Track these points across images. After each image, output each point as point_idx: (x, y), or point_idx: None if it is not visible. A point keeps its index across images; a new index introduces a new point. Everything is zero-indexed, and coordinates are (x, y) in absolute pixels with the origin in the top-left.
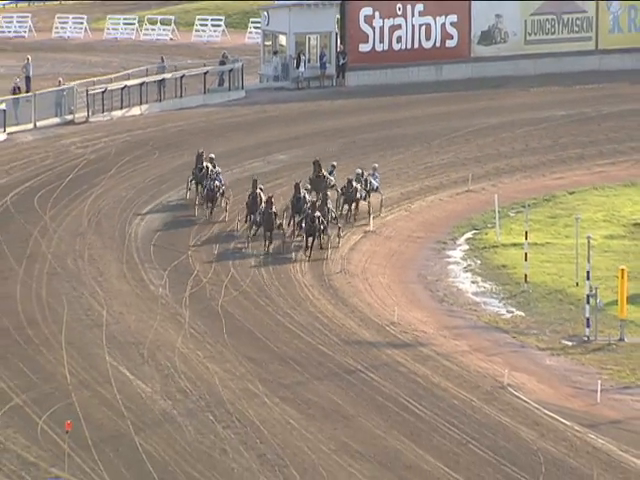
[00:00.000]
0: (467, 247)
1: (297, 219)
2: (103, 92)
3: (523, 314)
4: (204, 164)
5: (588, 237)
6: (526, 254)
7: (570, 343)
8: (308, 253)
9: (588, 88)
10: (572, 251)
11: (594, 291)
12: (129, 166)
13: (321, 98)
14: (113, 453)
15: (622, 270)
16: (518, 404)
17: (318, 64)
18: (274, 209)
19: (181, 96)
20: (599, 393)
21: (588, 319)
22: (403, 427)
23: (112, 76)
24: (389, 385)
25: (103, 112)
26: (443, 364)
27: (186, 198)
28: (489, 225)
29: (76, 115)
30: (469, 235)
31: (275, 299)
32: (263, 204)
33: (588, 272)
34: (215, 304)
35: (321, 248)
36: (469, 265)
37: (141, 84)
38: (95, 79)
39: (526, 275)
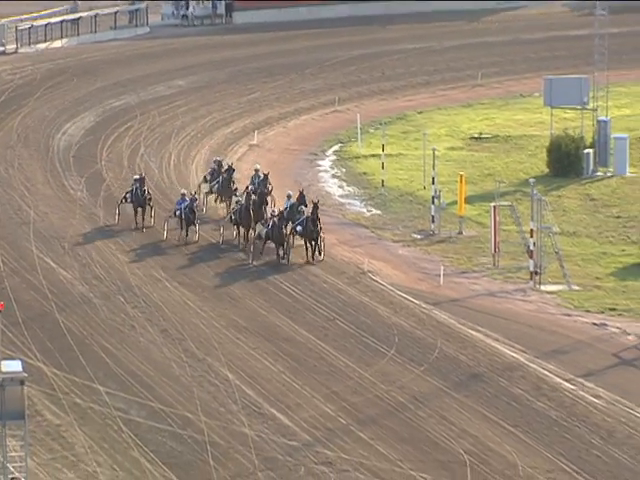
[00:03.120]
0: (334, 158)
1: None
2: (29, 28)
3: (380, 213)
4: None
5: (433, 149)
6: (383, 163)
7: (418, 236)
8: (318, 257)
9: (434, 26)
10: (420, 160)
11: (438, 193)
12: (52, 90)
13: (213, 33)
14: (39, 329)
15: (461, 176)
16: (376, 287)
17: (210, 4)
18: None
19: (95, 32)
20: (442, 277)
21: (433, 216)
22: (281, 306)
23: (37, 14)
24: (270, 272)
25: (30, 45)
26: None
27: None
28: (352, 139)
29: (7, 47)
30: (336, 148)
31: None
32: (269, 216)
33: (433, 178)
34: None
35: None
36: (336, 173)
37: (61, 21)
38: (22, 17)
39: (383, 181)
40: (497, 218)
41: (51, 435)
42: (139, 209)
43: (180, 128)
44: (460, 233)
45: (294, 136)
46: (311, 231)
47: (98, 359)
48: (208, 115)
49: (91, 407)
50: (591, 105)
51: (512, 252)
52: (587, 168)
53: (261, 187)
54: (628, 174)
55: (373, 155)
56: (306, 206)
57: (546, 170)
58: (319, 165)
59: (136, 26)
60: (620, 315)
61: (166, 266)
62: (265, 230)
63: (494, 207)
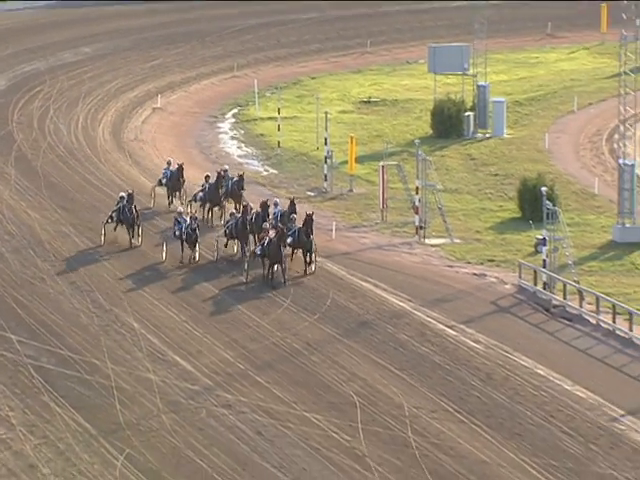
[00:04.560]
0: (233, 120)
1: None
2: None
3: (276, 172)
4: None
5: (325, 112)
6: (279, 125)
7: (312, 193)
8: (310, 268)
9: None
10: (313, 123)
11: (330, 153)
12: None
13: (118, 3)
14: None
15: (351, 137)
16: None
17: None
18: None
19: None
20: (334, 231)
21: (326, 175)
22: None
23: None
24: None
25: None
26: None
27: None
28: (250, 103)
29: None
30: (235, 111)
31: (83, 162)
32: (270, 234)
33: (326, 139)
34: (35, 165)
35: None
36: (235, 134)
37: None
38: None
39: (279, 142)
40: (385, 176)
41: None
42: (127, 229)
43: (87, 92)
44: (351, 190)
45: (195, 100)
46: (304, 242)
47: (10, 310)
48: (114, 80)
49: (3, 355)
50: (471, 71)
51: (399, 208)
52: (468, 130)
53: (234, 187)
54: (505, 135)
55: (269, 118)
56: (296, 214)
57: (430, 132)
58: (219, 127)
59: None
60: (498, 266)
61: (75, 223)
62: (260, 247)
63: (382, 166)
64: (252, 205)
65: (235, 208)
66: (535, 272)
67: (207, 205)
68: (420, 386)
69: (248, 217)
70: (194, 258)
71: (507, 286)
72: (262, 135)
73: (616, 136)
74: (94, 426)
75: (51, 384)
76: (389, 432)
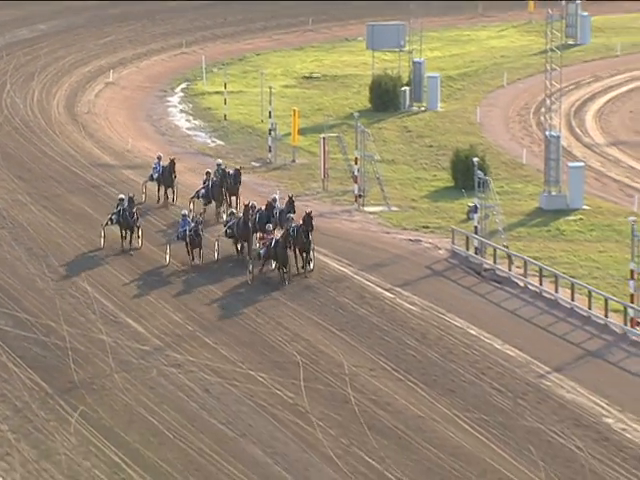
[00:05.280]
0: (182, 94)
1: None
2: None
3: (223, 143)
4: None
5: (270, 87)
6: (225, 99)
7: (257, 164)
8: (308, 268)
9: None
10: (258, 97)
11: (274, 126)
12: None
13: None
14: None
15: (294, 110)
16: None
17: None
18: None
19: None
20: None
21: (270, 146)
22: None
23: None
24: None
25: None
26: None
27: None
28: (198, 78)
29: None
30: (184, 85)
31: (38, 134)
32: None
33: (270, 112)
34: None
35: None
36: (184, 108)
37: None
38: None
39: (225, 115)
40: (326, 148)
41: None
42: (127, 231)
43: (42, 68)
44: (294, 161)
45: (146, 75)
46: (303, 242)
47: None
48: (68, 56)
49: None
50: (407, 48)
51: (339, 177)
52: (404, 103)
53: (230, 181)
54: (439, 109)
55: (216, 92)
56: (295, 213)
57: (368, 105)
58: (168, 101)
59: None
60: (432, 232)
61: (31, 192)
62: (264, 250)
63: (323, 138)
64: (254, 203)
65: (229, 204)
66: (467, 238)
67: (211, 202)
68: (359, 346)
69: (250, 216)
70: (199, 258)
71: (441, 251)
72: (209, 109)
73: (543, 109)
74: (50, 385)
75: (9, 345)
76: (330, 389)
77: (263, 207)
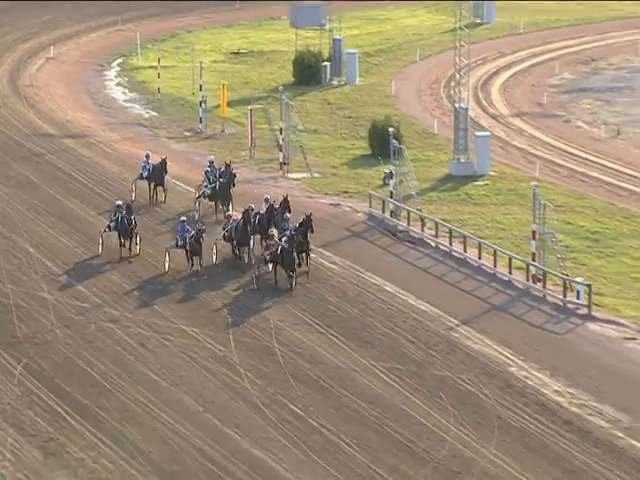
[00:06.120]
0: (118, 69)
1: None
2: None
3: (157, 115)
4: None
5: (200, 62)
6: (159, 73)
7: (189, 134)
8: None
9: None
10: (190, 71)
11: (205, 98)
12: None
13: None
14: None
15: (223, 84)
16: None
17: None
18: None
19: None
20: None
21: (201, 118)
22: (75, 193)
23: None
24: (64, 163)
25: None
26: (103, 149)
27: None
28: (133, 53)
29: None
30: (120, 61)
31: None
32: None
33: (201, 85)
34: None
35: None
36: (120, 81)
37: None
38: None
39: (159, 88)
40: (253, 119)
41: None
42: (125, 239)
43: None
44: (223, 131)
45: (84, 50)
46: (300, 243)
47: None
48: (10, 33)
49: None
50: (328, 27)
51: (265, 146)
52: (325, 78)
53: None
54: (357, 82)
55: (150, 67)
56: (290, 212)
57: (292, 79)
58: (105, 75)
59: None
60: (351, 197)
61: None
62: (270, 254)
63: (250, 110)
64: (253, 207)
65: (222, 203)
66: (383, 202)
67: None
68: (283, 302)
69: (250, 219)
70: (199, 265)
71: (359, 214)
72: (144, 82)
73: (452, 83)
74: None
75: None
76: (257, 342)
77: (262, 210)
